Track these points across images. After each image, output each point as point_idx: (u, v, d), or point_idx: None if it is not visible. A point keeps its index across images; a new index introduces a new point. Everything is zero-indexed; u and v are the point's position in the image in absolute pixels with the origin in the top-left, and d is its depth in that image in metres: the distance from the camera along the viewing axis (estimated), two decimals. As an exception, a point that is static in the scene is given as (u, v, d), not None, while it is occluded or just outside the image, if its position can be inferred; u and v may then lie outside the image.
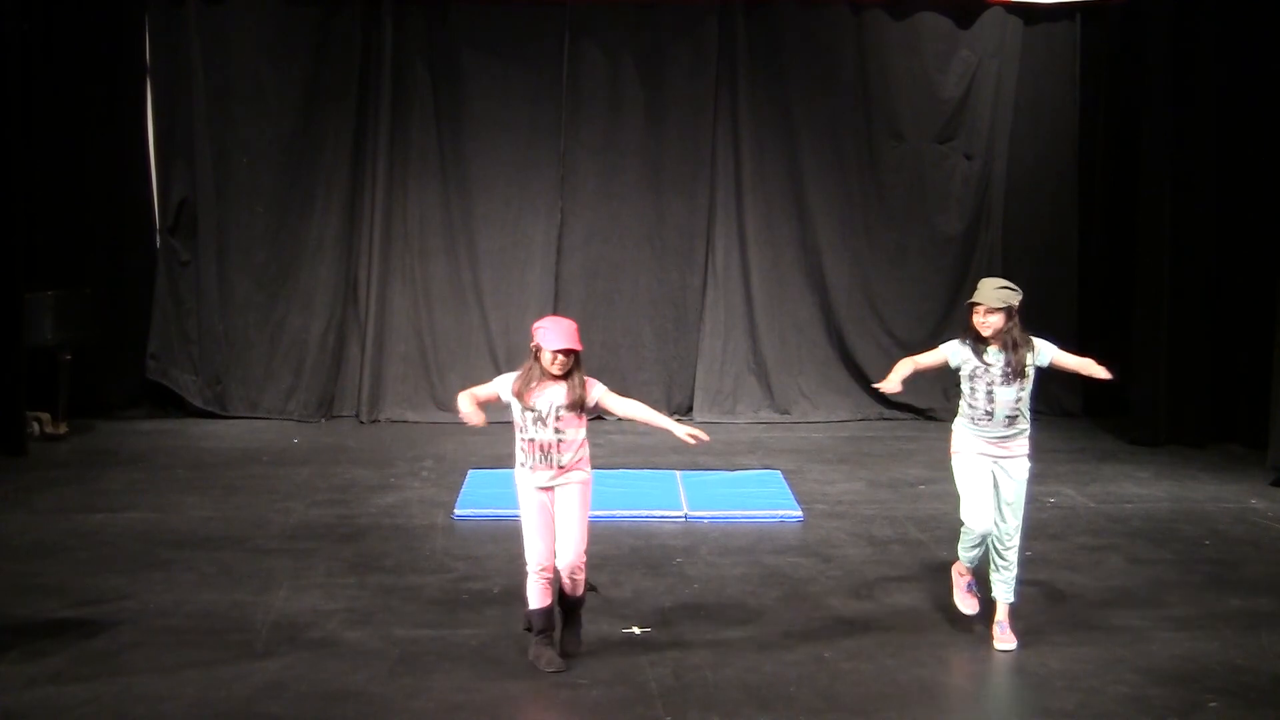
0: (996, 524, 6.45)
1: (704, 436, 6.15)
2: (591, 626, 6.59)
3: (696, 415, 12.43)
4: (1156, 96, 11.33)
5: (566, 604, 6.26)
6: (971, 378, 6.43)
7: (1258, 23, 10.90)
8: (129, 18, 12.05)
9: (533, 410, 6.02)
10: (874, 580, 7.49)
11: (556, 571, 6.14)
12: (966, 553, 6.64)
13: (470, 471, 9.82)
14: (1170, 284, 11.30)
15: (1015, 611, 6.56)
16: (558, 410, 6.02)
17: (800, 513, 8.90)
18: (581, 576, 6.20)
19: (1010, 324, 6.34)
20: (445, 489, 9.47)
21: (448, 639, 6.46)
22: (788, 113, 12.47)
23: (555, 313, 12.27)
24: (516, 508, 6.20)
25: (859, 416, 12.45)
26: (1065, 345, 6.29)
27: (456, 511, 8.81)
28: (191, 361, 12.27)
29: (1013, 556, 6.50)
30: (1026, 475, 6.49)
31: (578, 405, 6.04)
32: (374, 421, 12.13)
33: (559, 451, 6.04)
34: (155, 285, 12.24)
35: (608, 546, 8.06)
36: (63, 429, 11.13)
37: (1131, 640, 6.52)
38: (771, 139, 12.50)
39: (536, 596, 6.13)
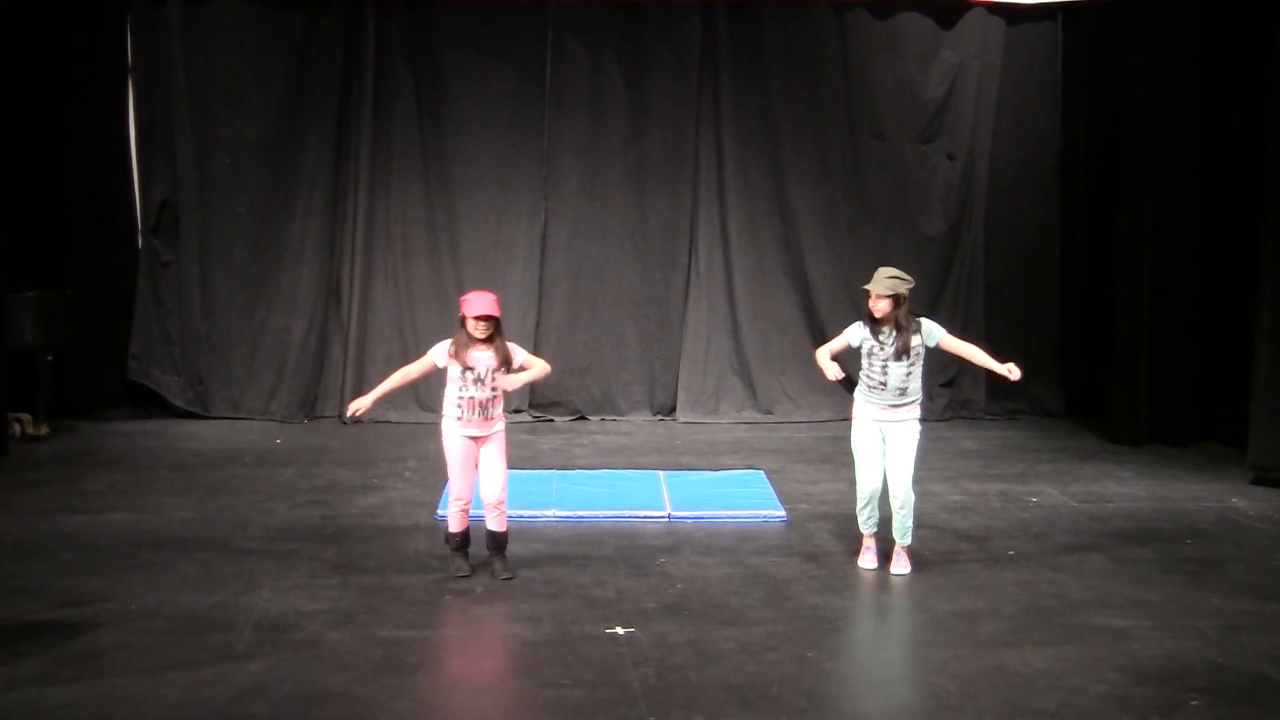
0: (889, 480, 7.46)
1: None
2: (575, 627, 6.61)
3: (680, 415, 12.44)
4: (1137, 97, 11.36)
5: (498, 541, 7.39)
6: (869, 355, 7.51)
7: (1238, 23, 10.94)
8: (110, 18, 11.98)
9: (472, 370, 7.13)
10: (856, 580, 7.51)
11: (480, 505, 7.38)
12: (864, 523, 7.66)
13: (453, 472, 9.79)
14: (1151, 283, 11.34)
15: (911, 552, 7.60)
16: (493, 372, 7.15)
17: (783, 512, 8.93)
18: (505, 508, 7.37)
19: (897, 310, 7.39)
20: (428, 489, 9.46)
21: (430, 640, 6.46)
22: (770, 113, 12.47)
23: (539, 312, 12.34)
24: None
25: (842, 416, 12.25)
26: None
27: (439, 512, 8.77)
28: (173, 362, 12.22)
29: (907, 504, 7.48)
30: (916, 437, 7.52)
31: (505, 363, 7.20)
32: (356, 422, 12.09)
33: (493, 406, 7.25)
34: (137, 286, 12.18)
35: (591, 546, 8.08)
36: (44, 430, 11.09)
37: (1113, 639, 6.55)
38: (754, 139, 12.49)
39: (456, 521, 7.39)
